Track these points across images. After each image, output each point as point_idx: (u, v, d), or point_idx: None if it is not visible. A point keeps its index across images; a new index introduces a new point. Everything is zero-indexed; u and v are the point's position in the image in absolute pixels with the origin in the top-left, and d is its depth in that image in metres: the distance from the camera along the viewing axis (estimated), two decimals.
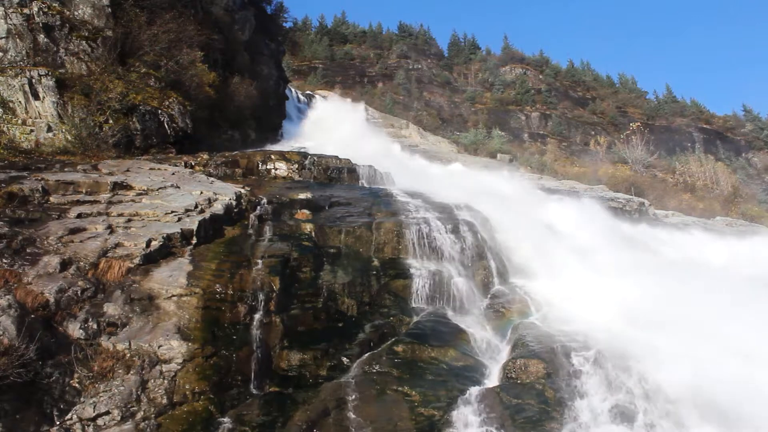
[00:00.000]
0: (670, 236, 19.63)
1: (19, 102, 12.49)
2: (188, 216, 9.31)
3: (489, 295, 9.71)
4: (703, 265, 14.68)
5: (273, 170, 13.94)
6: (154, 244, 8.25)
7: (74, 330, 6.66)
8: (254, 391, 6.92)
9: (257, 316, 7.67)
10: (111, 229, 8.43)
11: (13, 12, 13.38)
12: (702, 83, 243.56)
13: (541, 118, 59.06)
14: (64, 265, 7.34)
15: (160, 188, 10.30)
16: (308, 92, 44.00)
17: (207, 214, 9.48)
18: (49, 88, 12.78)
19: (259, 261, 8.60)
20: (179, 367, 6.69)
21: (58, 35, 13.94)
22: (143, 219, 9.03)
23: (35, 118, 12.55)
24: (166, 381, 6.54)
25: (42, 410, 5.87)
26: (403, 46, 66.80)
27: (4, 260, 7.10)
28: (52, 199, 9.10)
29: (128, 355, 6.64)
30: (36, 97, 12.65)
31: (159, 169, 11.79)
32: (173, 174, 11.53)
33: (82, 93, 13.16)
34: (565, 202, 18.03)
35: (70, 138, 12.49)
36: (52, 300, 6.77)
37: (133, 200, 9.66)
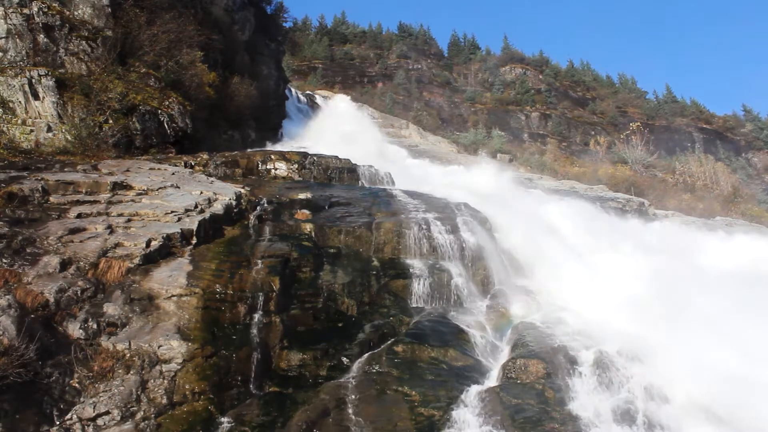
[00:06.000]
0: (669, 236, 19.62)
1: (19, 102, 12.49)
2: (188, 216, 9.31)
3: (489, 295, 9.70)
4: (702, 265, 14.67)
5: (273, 170, 13.94)
6: (154, 244, 8.25)
7: (74, 330, 6.66)
8: (254, 391, 6.91)
9: (257, 316, 7.66)
10: (111, 229, 8.43)
11: (13, 12, 13.38)
12: (702, 83, 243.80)
13: (541, 118, 59.04)
14: (64, 265, 7.34)
15: (160, 188, 10.29)
16: (308, 92, 43.98)
17: (207, 214, 9.47)
18: (48, 88, 12.78)
19: (259, 261, 8.60)
20: (179, 367, 6.69)
21: (57, 35, 13.94)
22: (143, 219, 9.03)
23: (35, 118, 12.55)
24: (165, 381, 6.54)
25: (42, 410, 5.87)
26: (403, 46, 66.77)
27: (4, 260, 7.10)
28: (52, 199, 9.10)
29: (128, 355, 6.64)
30: (36, 97, 12.65)
31: (159, 169, 11.79)
32: (173, 174, 11.53)
33: (82, 93, 13.16)
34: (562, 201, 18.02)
35: (69, 138, 12.49)
36: (52, 300, 6.77)
37: (133, 200, 9.66)
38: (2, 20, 13.23)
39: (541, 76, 65.70)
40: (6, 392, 5.64)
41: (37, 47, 13.52)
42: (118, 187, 9.97)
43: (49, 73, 12.95)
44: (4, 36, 13.17)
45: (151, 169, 11.66)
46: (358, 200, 11.80)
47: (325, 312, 8.33)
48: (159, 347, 6.76)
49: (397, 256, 9.80)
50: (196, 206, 9.67)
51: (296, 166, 14.12)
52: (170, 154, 14.10)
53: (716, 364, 7.34)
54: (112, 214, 8.95)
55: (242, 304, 7.70)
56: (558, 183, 30.16)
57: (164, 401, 6.38)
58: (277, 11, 33.39)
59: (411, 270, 9.45)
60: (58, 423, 5.88)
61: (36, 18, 13.65)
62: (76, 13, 14.82)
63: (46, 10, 13.86)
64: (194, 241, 8.83)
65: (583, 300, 9.52)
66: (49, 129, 12.52)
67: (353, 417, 6.43)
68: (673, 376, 7.11)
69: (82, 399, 6.15)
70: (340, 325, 8.24)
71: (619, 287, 9.84)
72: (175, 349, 6.79)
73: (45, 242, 7.74)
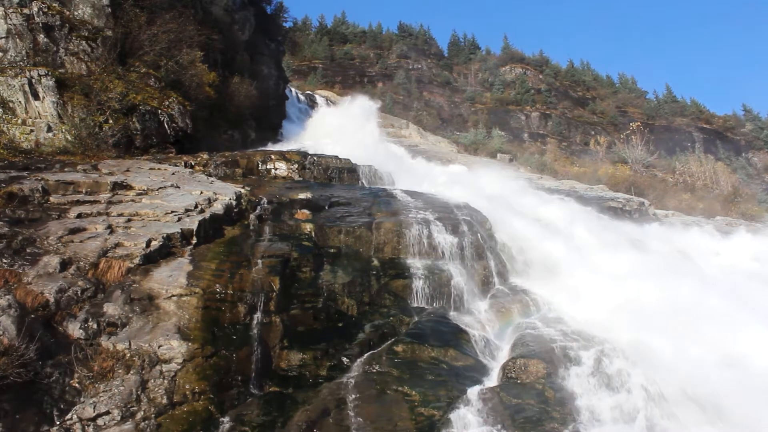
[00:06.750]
0: (670, 236, 19.60)
1: (19, 102, 12.49)
2: (188, 216, 9.31)
3: (489, 295, 9.71)
4: (702, 265, 14.68)
5: (273, 170, 13.94)
6: (154, 244, 8.25)
7: (74, 330, 6.66)
8: (254, 391, 6.92)
9: (257, 316, 7.67)
10: (111, 229, 8.43)
11: (13, 12, 13.38)
12: (702, 83, 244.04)
13: (541, 118, 59.04)
14: (64, 265, 7.34)
15: (160, 188, 10.30)
16: (308, 92, 43.95)
17: (207, 214, 9.47)
18: (48, 88, 12.78)
19: (259, 261, 8.60)
20: (179, 367, 6.69)
21: (57, 35, 13.94)
22: (143, 219, 9.03)
23: (35, 118, 12.54)
24: (166, 381, 6.54)
25: (42, 410, 5.87)
26: (403, 46, 66.74)
27: (4, 260, 7.10)
28: (52, 199, 9.10)
29: (128, 355, 6.64)
30: (36, 97, 12.65)
31: (159, 169, 11.79)
32: (173, 174, 11.53)
33: (82, 93, 13.15)
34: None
35: (70, 138, 12.49)
36: (52, 300, 6.77)
37: (133, 200, 9.66)
38: (2, 20, 13.22)
39: (541, 76, 65.68)
40: (6, 392, 5.64)
41: (37, 47, 13.52)
42: (118, 187, 9.97)
43: (49, 73, 12.95)
44: (4, 36, 13.17)
45: (151, 169, 11.67)
46: (359, 200, 11.81)
47: (325, 312, 8.33)
48: (159, 347, 6.76)
49: (397, 255, 9.80)
50: (196, 206, 9.67)
51: (296, 166, 14.13)
52: (170, 154, 14.10)
53: (717, 363, 7.34)
54: (112, 214, 8.95)
55: (242, 304, 7.71)
56: (558, 183, 30.13)
57: (164, 401, 6.39)
58: (277, 11, 33.41)
59: (411, 270, 9.45)
60: (58, 423, 5.88)
61: (36, 18, 13.65)
62: (76, 13, 14.82)
63: (46, 10, 13.86)
64: (194, 241, 8.83)
65: (583, 300, 9.53)
66: (49, 129, 12.52)
67: (353, 417, 6.43)
68: (674, 375, 7.11)
69: (82, 399, 6.15)
70: (340, 325, 8.24)
71: (619, 287, 9.85)
72: (175, 349, 6.79)
73: (45, 242, 7.74)
